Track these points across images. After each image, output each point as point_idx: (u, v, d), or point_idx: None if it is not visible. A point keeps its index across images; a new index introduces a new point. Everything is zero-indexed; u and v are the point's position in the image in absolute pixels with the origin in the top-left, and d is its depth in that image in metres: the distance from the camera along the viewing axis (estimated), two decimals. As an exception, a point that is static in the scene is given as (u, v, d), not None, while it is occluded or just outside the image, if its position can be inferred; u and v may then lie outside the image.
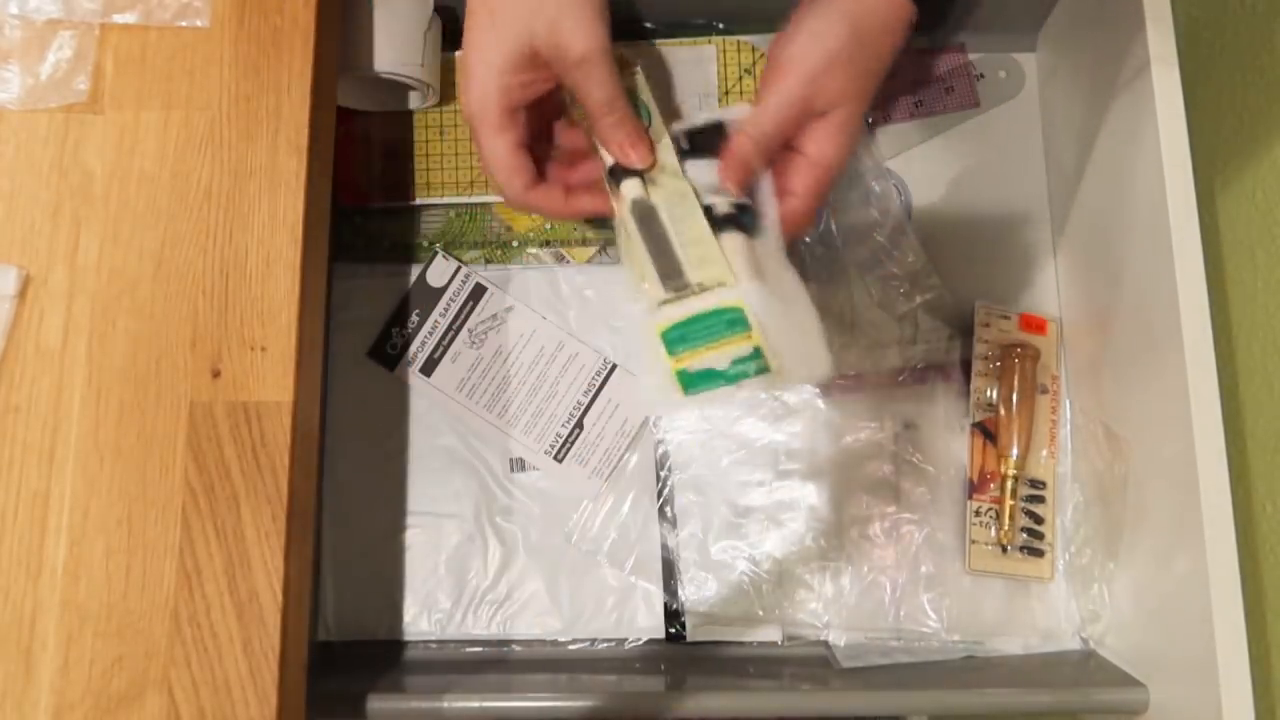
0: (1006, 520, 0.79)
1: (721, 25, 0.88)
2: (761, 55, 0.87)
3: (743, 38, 0.87)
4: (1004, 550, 0.80)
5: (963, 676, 0.76)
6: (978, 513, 0.80)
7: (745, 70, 0.86)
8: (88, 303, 0.65)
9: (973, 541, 0.80)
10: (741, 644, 0.80)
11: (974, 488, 0.81)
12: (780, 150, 0.66)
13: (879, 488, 0.81)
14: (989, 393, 0.82)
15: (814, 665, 0.78)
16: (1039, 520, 0.80)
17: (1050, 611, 0.80)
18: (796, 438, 0.82)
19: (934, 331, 0.84)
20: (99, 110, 0.68)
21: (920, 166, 0.87)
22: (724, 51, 0.87)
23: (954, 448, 0.82)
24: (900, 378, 0.82)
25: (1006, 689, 0.74)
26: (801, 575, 0.80)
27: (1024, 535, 0.80)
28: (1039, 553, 0.80)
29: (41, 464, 0.63)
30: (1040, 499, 0.81)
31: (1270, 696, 0.69)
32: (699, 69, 0.86)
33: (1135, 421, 0.73)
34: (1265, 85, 0.72)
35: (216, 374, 0.64)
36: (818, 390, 0.82)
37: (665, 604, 0.80)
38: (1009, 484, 0.80)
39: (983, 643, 0.78)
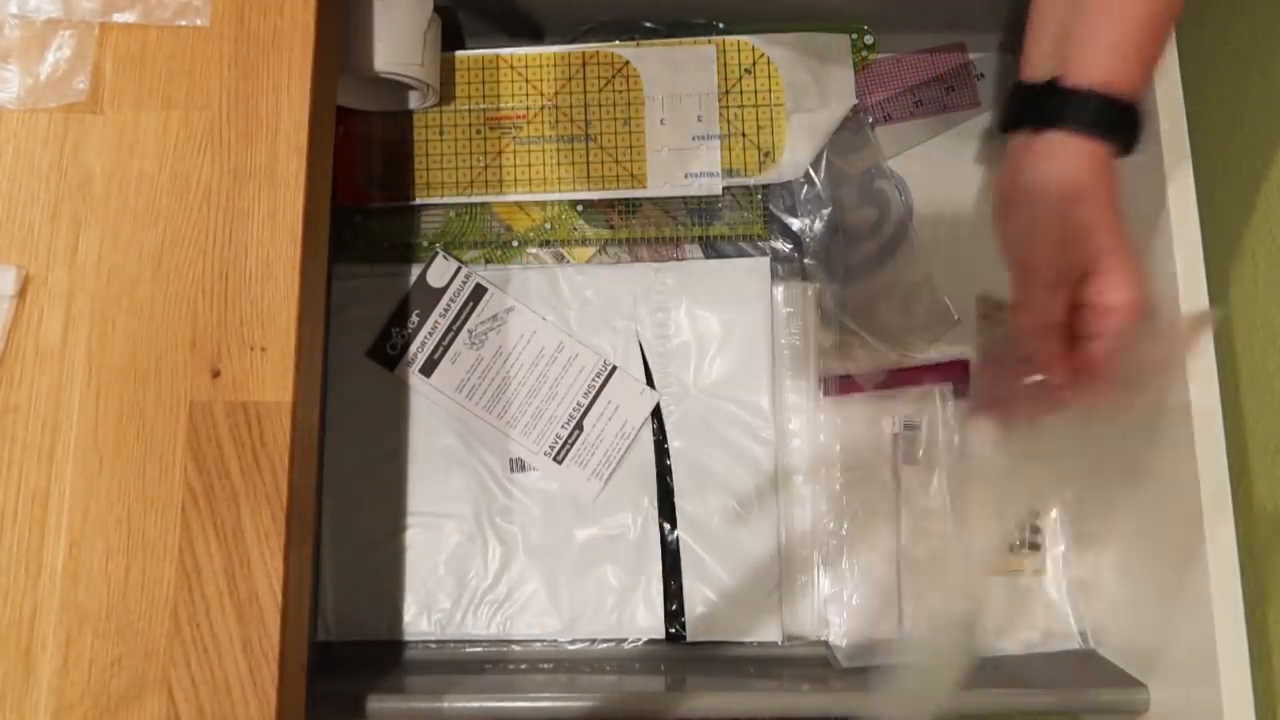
0: None
1: (722, 25, 0.88)
2: (761, 55, 0.87)
3: (743, 38, 0.87)
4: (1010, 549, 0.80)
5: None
6: None
7: (745, 70, 0.86)
8: (87, 303, 0.65)
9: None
10: (741, 644, 0.80)
11: None
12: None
13: (879, 488, 0.81)
14: None
15: (814, 665, 0.78)
16: (1035, 514, 0.81)
17: (1050, 612, 0.80)
18: (797, 437, 0.82)
19: (934, 331, 0.84)
20: (98, 110, 0.68)
21: (920, 166, 0.87)
22: (724, 51, 0.87)
23: (954, 448, 0.81)
24: (900, 378, 0.82)
25: (1007, 689, 0.74)
26: (801, 575, 0.80)
27: (1028, 532, 0.80)
28: (1036, 546, 0.80)
29: (41, 464, 0.63)
30: None
31: (1271, 697, 0.69)
32: (699, 69, 0.86)
33: (1137, 420, 0.73)
34: (1266, 85, 0.72)
35: (216, 374, 0.64)
36: (818, 390, 0.82)
37: (665, 604, 0.80)
38: None
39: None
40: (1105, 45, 0.61)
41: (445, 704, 0.70)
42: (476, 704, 0.71)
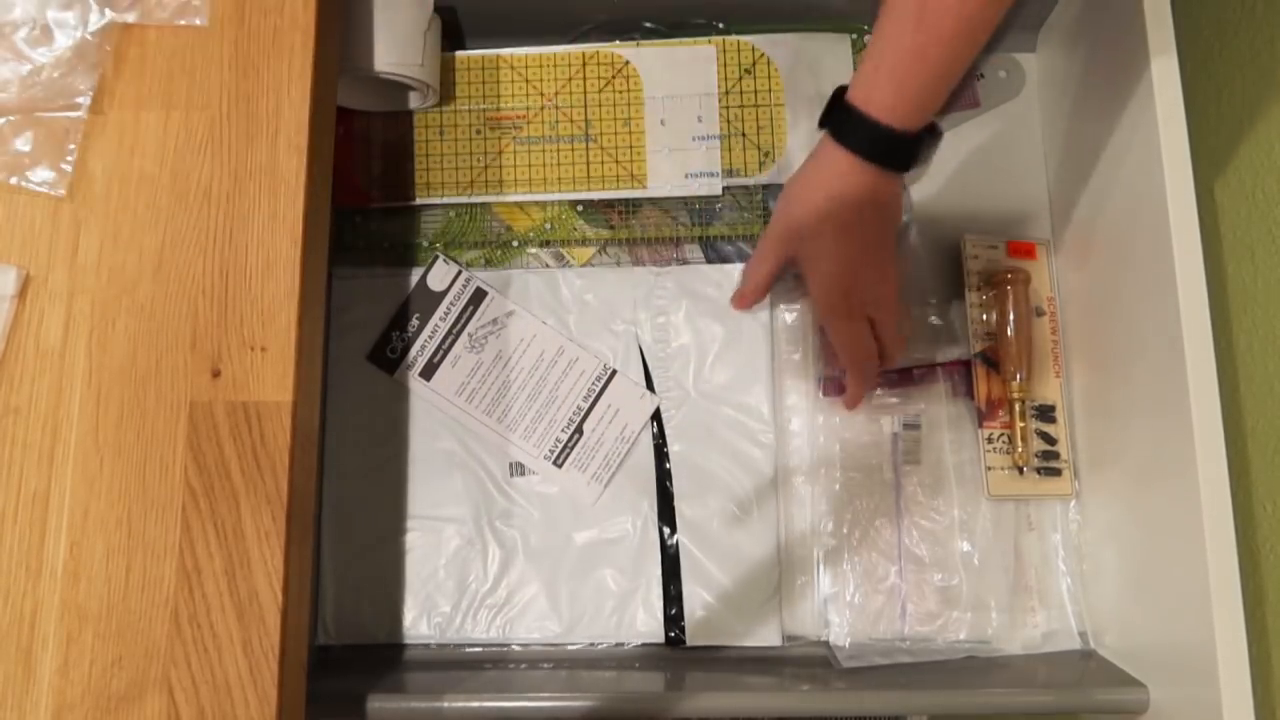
0: (1019, 443, 0.80)
1: (721, 25, 0.88)
2: (761, 55, 0.87)
3: (743, 38, 0.87)
4: (1020, 472, 0.80)
5: (963, 677, 0.76)
6: (990, 439, 0.81)
7: (745, 70, 0.86)
8: (88, 303, 0.65)
9: (989, 468, 0.81)
10: (741, 645, 0.80)
11: (984, 416, 0.82)
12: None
13: (879, 489, 0.81)
14: (986, 320, 0.83)
15: (814, 665, 0.78)
16: (1051, 441, 0.81)
17: (1050, 612, 0.80)
18: (797, 437, 0.82)
19: (933, 331, 0.84)
20: (98, 110, 0.68)
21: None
22: (724, 51, 0.87)
23: (954, 447, 0.81)
24: (900, 378, 0.82)
25: (1007, 689, 0.74)
26: (801, 575, 0.80)
27: (1038, 458, 0.81)
28: (1056, 472, 0.81)
29: (41, 464, 0.63)
30: (1051, 419, 0.81)
31: (1270, 696, 0.69)
32: (699, 69, 0.86)
33: (1136, 420, 0.73)
34: (1265, 85, 0.72)
35: (216, 374, 0.64)
36: (818, 391, 0.82)
37: (665, 608, 0.80)
38: (1016, 407, 0.81)
39: (985, 643, 0.78)
40: (871, 69, 0.66)
41: (445, 704, 0.70)
42: (476, 704, 0.71)
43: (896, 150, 0.68)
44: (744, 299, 0.82)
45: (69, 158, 0.67)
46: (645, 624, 0.80)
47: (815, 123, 0.71)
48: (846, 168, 0.68)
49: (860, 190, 0.69)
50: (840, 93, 0.69)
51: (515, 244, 0.86)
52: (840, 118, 0.68)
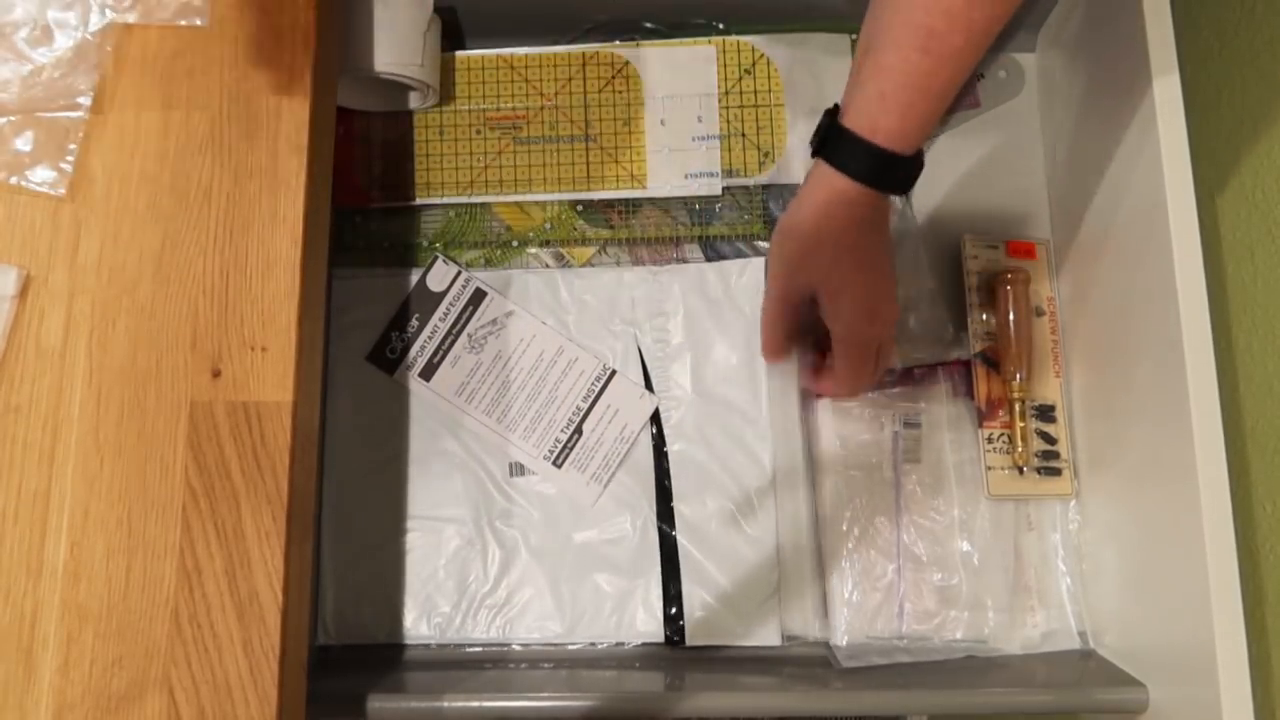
0: (1019, 443, 0.80)
1: (721, 25, 0.88)
2: (761, 55, 0.87)
3: (743, 38, 0.87)
4: (1020, 472, 0.80)
5: (963, 676, 0.76)
6: (990, 439, 0.81)
7: (745, 70, 0.86)
8: (88, 303, 0.65)
9: (989, 468, 0.81)
10: (741, 645, 0.80)
11: (984, 416, 0.82)
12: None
13: (879, 488, 0.81)
14: (986, 320, 0.83)
15: (814, 665, 0.78)
16: (1052, 441, 0.81)
17: (1050, 612, 0.80)
18: (796, 436, 0.82)
19: (933, 330, 0.84)
20: (99, 110, 0.68)
21: (920, 166, 0.87)
22: (724, 51, 0.87)
23: (954, 447, 0.81)
24: (900, 378, 0.82)
25: (1006, 689, 0.74)
26: (801, 575, 0.80)
27: (1038, 457, 0.81)
28: (1056, 471, 0.81)
29: (41, 464, 0.63)
30: (1051, 419, 0.82)
31: (1270, 696, 0.69)
32: (699, 69, 0.87)
33: (1136, 419, 0.73)
34: (1265, 85, 0.72)
35: (217, 374, 0.64)
36: (818, 390, 0.82)
37: (664, 608, 0.80)
38: (1016, 407, 0.81)
39: (983, 643, 0.78)
40: (874, 93, 0.64)
41: (445, 704, 0.70)
42: (476, 704, 0.71)
43: (901, 173, 0.67)
44: (773, 355, 0.81)
45: (69, 158, 0.67)
46: (645, 624, 0.80)
47: (816, 122, 0.70)
48: (853, 195, 0.67)
49: (867, 215, 0.69)
50: (831, 117, 0.68)
51: (515, 244, 0.86)
52: (839, 145, 0.67)
